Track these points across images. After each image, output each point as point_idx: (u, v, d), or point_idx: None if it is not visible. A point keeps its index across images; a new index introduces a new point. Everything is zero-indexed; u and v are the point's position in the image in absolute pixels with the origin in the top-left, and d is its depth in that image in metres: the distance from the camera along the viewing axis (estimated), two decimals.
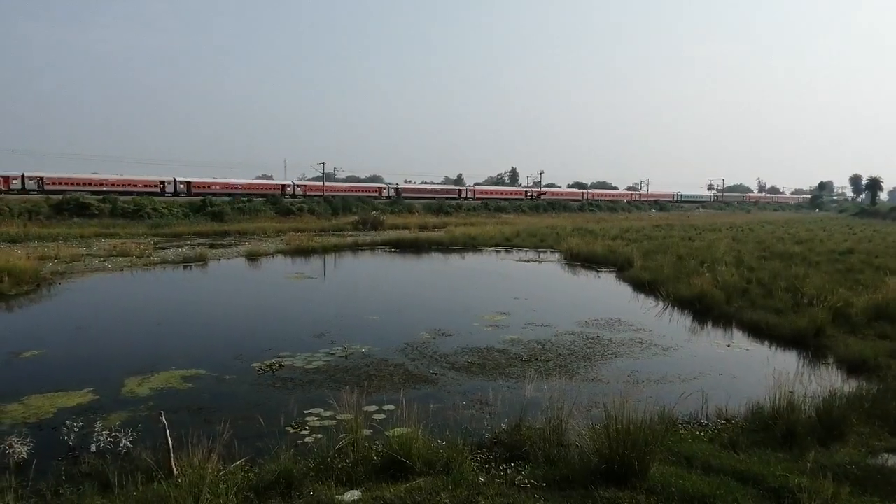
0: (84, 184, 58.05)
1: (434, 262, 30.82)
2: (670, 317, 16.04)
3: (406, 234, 43.05)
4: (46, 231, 38.29)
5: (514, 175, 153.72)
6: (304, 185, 77.92)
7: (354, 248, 35.44)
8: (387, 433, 6.89)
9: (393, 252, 34.09)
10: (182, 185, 64.45)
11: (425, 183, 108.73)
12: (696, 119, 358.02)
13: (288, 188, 74.60)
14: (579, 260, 28.89)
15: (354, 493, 5.61)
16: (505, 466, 6.30)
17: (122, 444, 7.07)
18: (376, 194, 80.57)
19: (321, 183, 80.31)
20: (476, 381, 10.12)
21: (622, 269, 24.76)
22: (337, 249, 34.21)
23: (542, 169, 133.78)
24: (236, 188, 68.54)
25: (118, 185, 60.29)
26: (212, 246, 34.62)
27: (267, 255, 30.58)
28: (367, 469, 6.11)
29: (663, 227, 47.19)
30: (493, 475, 6.05)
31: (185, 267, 25.54)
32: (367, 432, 6.96)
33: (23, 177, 56.51)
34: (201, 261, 26.87)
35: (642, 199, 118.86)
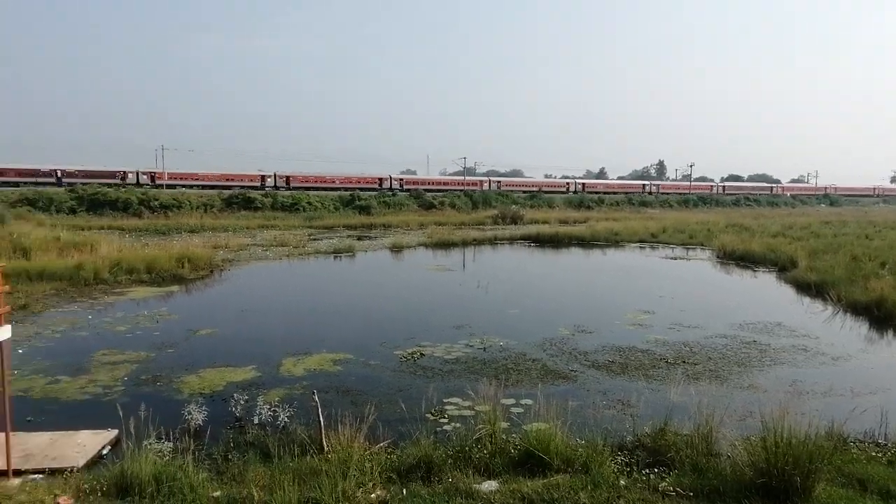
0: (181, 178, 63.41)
1: (574, 257, 30.22)
2: (841, 323, 14.44)
3: (545, 228, 42.56)
4: (218, 223, 42.74)
5: (661, 168, 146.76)
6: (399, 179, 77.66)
7: (493, 241, 35.72)
8: (524, 427, 6.88)
9: (532, 246, 33.90)
10: (281, 180, 68.29)
11: (566, 178, 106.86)
12: (881, 100, 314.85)
13: (385, 182, 75.67)
14: (733, 258, 26.91)
15: (492, 484, 5.66)
16: (648, 471, 6.03)
17: (280, 419, 7.69)
18: (476, 187, 78.25)
19: (409, 176, 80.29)
20: (617, 381, 9.79)
21: (784, 269, 22.71)
22: (476, 243, 34.70)
23: (693, 161, 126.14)
24: (333, 181, 70.84)
25: (220, 180, 64.72)
26: (359, 238, 36.58)
27: (409, 247, 31.72)
28: (505, 461, 6.14)
29: (834, 224, 42.54)
30: (635, 479, 5.82)
31: (335, 257, 27.23)
32: (504, 425, 6.99)
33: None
34: (350, 252, 28.53)
35: (781, 192, 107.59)
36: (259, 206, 51.91)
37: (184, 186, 60.31)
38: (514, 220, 51.39)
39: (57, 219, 38.39)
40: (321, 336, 12.65)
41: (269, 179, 68.02)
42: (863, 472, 5.91)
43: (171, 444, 6.73)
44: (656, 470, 6.07)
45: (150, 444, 6.45)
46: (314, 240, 34.52)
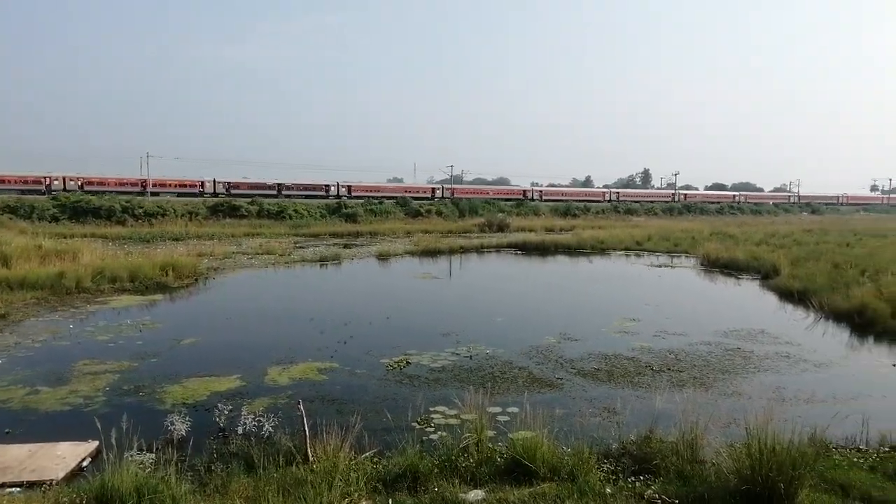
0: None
1: (560, 265, 30.34)
2: (824, 330, 14.60)
3: (532, 236, 42.69)
4: (203, 230, 42.35)
5: (646, 176, 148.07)
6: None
7: (480, 249, 35.74)
8: (511, 435, 6.87)
9: (518, 254, 33.98)
10: (448, 191, 78.23)
11: (552, 185, 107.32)
12: (861, 111, 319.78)
13: (528, 192, 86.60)
14: (718, 266, 27.13)
15: (478, 493, 5.64)
16: (633, 479, 6.05)
17: (265, 429, 7.60)
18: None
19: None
20: (603, 389, 9.82)
21: (767, 276, 22.93)
22: (463, 251, 34.70)
23: (678, 170, 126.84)
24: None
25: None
26: (346, 246, 36.45)
27: (396, 255, 31.66)
28: (491, 470, 6.12)
29: (816, 232, 43.08)
30: (621, 486, 5.83)
31: (321, 265, 27.10)
32: (490, 433, 6.97)
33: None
34: (336, 260, 28.41)
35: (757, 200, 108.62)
36: (245, 213, 51.60)
37: (370, 198, 65.04)
38: (501, 228, 51.55)
39: (39, 227, 37.78)
40: (307, 344, 12.57)
41: (437, 191, 79.28)
42: (845, 478, 5.96)
43: (153, 456, 6.63)
44: (642, 477, 6.08)
45: (132, 455, 6.35)
46: (300, 248, 34.34)
